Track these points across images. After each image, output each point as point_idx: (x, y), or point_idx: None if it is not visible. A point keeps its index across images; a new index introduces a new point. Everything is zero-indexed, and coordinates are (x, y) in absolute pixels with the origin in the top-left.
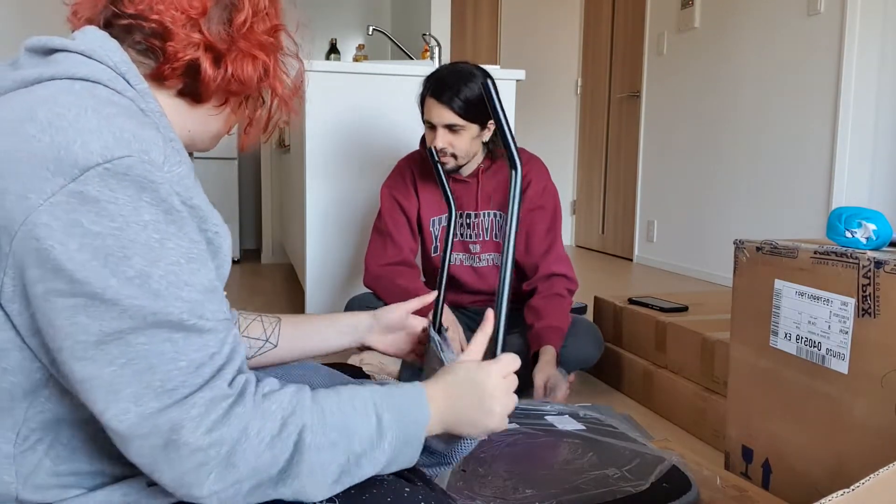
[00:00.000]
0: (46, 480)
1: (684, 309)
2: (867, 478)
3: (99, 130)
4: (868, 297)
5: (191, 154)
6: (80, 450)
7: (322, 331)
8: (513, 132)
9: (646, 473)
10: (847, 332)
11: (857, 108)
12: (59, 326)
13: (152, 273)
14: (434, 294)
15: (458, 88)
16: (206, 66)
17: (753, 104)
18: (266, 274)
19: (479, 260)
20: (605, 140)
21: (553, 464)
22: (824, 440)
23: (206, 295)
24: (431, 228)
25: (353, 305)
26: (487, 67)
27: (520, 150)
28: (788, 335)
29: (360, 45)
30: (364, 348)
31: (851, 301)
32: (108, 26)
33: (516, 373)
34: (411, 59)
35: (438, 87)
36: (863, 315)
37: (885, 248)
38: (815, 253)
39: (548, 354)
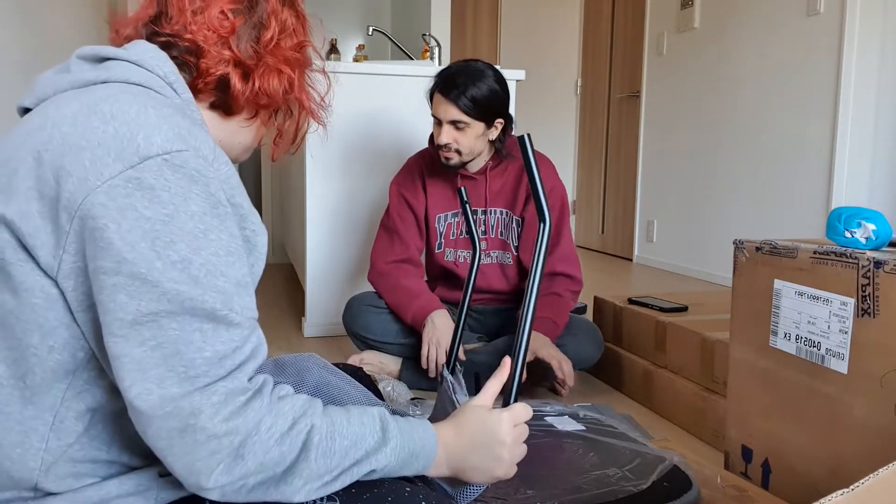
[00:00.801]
0: (66, 468)
1: (684, 309)
2: (867, 478)
3: (159, 126)
4: (867, 297)
5: None
6: (99, 438)
7: None
8: (543, 186)
9: (646, 473)
10: (847, 332)
11: (857, 108)
12: (101, 302)
13: (194, 260)
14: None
15: (466, 86)
16: (236, 80)
17: (753, 104)
18: (266, 274)
19: (485, 257)
20: (604, 140)
21: (554, 464)
22: (824, 440)
23: (238, 289)
24: (437, 225)
25: (353, 305)
26: None
27: None
28: (788, 335)
29: (360, 45)
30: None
31: (851, 301)
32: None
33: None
34: (411, 59)
35: (446, 84)
36: (862, 315)
37: (884, 248)
38: (814, 253)
39: (542, 338)
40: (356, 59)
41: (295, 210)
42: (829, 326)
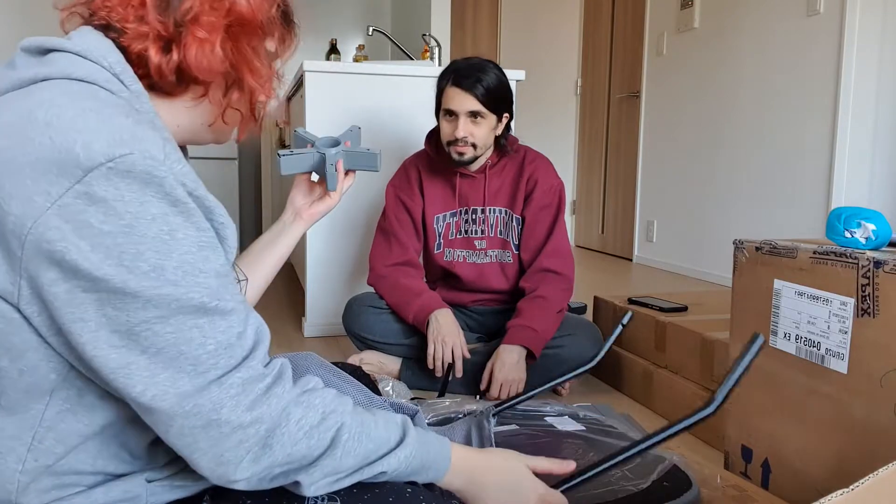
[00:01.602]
0: (49, 482)
1: (684, 309)
2: (866, 477)
3: (98, 130)
4: (867, 297)
5: (185, 153)
6: (84, 450)
7: (271, 249)
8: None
9: (647, 473)
10: (846, 332)
11: (857, 108)
12: (90, 318)
13: (166, 265)
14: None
15: (479, 77)
16: (153, 54)
17: (753, 104)
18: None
19: (484, 256)
20: (604, 140)
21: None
22: (824, 440)
23: (220, 280)
24: (436, 225)
25: (353, 305)
26: None
27: (525, 150)
28: (788, 335)
29: (360, 45)
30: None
31: (851, 301)
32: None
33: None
34: (411, 59)
35: (461, 75)
36: (862, 315)
37: (884, 248)
38: (814, 253)
39: (512, 354)
40: (356, 59)
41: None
42: (828, 326)
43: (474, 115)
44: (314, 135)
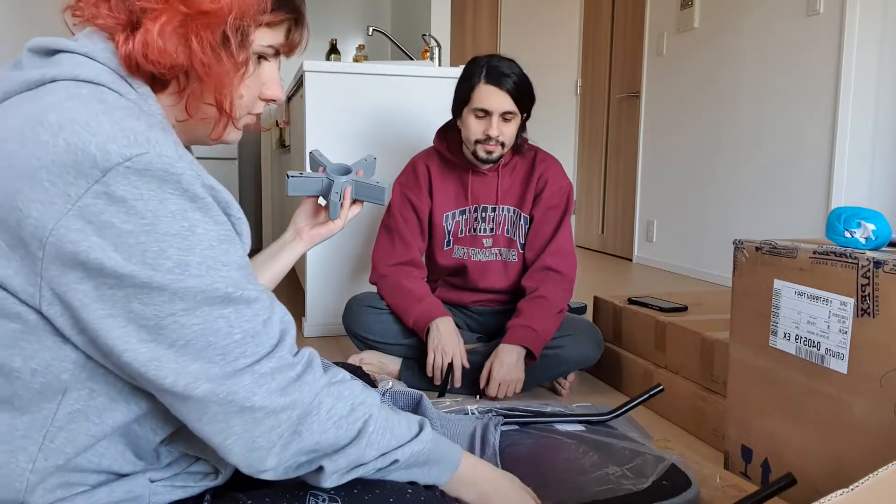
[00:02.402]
0: (55, 480)
1: (684, 309)
2: (866, 477)
3: (112, 133)
4: (867, 297)
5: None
6: (92, 452)
7: (270, 265)
8: None
9: (646, 472)
10: (846, 332)
11: (857, 108)
12: (118, 314)
13: (189, 261)
14: None
15: (511, 75)
16: (120, 41)
17: (753, 104)
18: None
19: (488, 254)
20: (604, 140)
21: (554, 464)
22: (823, 440)
23: (241, 271)
24: (445, 224)
25: (353, 305)
26: None
27: (536, 149)
28: (788, 335)
29: (360, 45)
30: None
31: (850, 301)
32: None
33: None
34: (411, 59)
35: (495, 74)
36: (862, 315)
37: (884, 249)
38: (814, 253)
39: (511, 353)
40: (356, 60)
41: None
42: (828, 326)
43: (507, 113)
44: (328, 159)
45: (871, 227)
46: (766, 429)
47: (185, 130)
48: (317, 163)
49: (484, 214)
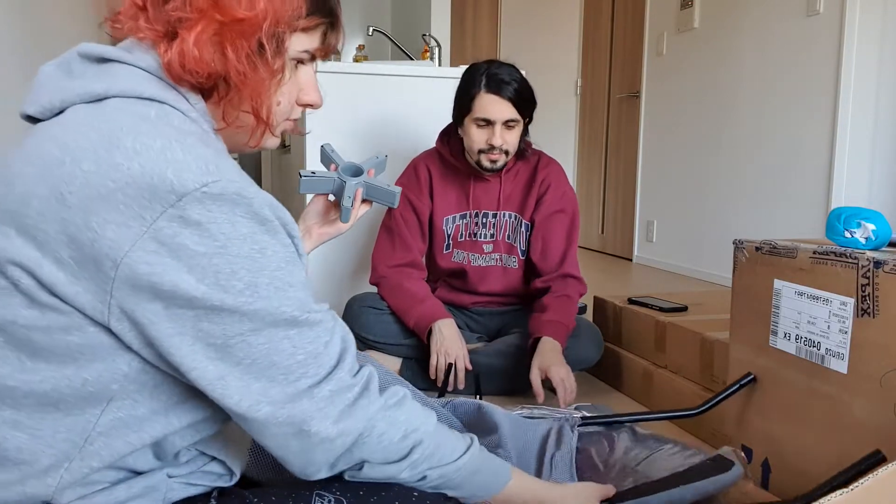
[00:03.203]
0: (82, 479)
1: (684, 309)
2: (866, 478)
3: (186, 161)
4: (867, 297)
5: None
6: (119, 454)
7: None
8: None
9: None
10: (846, 332)
11: (857, 108)
12: (187, 333)
13: (259, 282)
14: None
15: (512, 83)
16: (161, 52)
17: (753, 104)
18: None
19: (488, 259)
20: (604, 140)
21: (605, 460)
22: (824, 440)
23: (305, 291)
24: (445, 227)
25: (353, 306)
26: None
27: (539, 154)
28: (788, 335)
29: (360, 45)
30: (364, 349)
31: (851, 301)
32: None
33: (510, 372)
34: (411, 59)
35: (496, 82)
36: (862, 315)
37: (884, 249)
38: (814, 253)
39: (555, 348)
40: (356, 60)
41: (295, 210)
42: (828, 326)
43: (510, 121)
44: (340, 156)
45: (871, 227)
46: (766, 429)
47: (224, 138)
48: (328, 158)
49: (485, 220)
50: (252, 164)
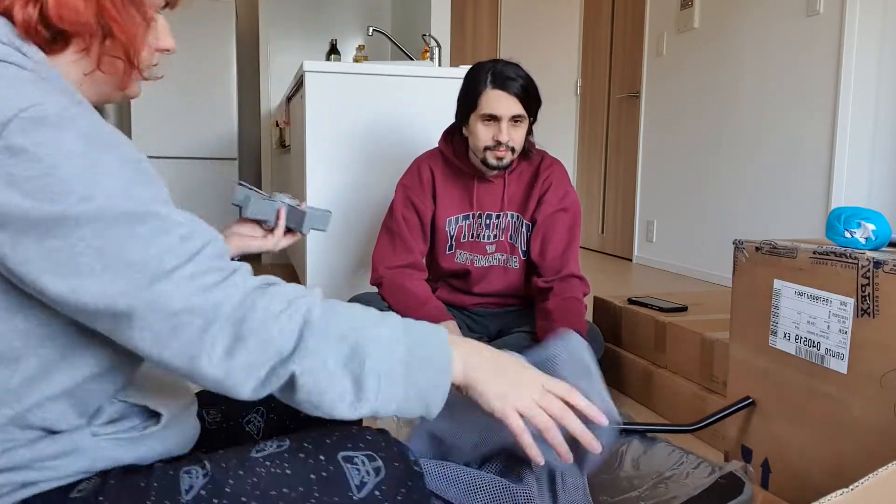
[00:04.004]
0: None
1: (684, 309)
2: (866, 477)
3: (7, 95)
4: (867, 297)
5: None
6: (41, 406)
7: None
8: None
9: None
10: (846, 332)
11: (856, 108)
12: (32, 258)
13: (95, 193)
14: None
15: (518, 79)
16: (17, 9)
17: (753, 105)
18: (267, 274)
19: (491, 259)
20: (604, 140)
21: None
22: (823, 440)
23: (153, 192)
24: (448, 228)
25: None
26: None
27: (542, 154)
28: (788, 335)
29: (360, 45)
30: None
31: (850, 301)
32: None
33: None
34: (411, 59)
35: (501, 78)
36: (862, 315)
37: (884, 249)
38: (814, 253)
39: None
40: (356, 60)
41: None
42: (828, 326)
43: (516, 118)
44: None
45: (871, 227)
46: (765, 429)
47: (92, 85)
48: (246, 196)
49: (488, 221)
50: (252, 165)
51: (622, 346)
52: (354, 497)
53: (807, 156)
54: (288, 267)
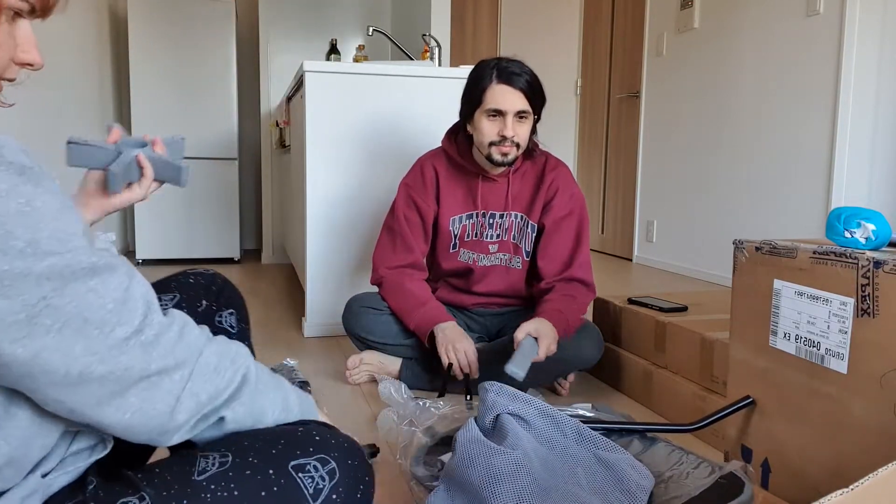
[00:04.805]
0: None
1: (684, 309)
2: (866, 477)
3: None
4: (867, 297)
5: None
6: None
7: None
8: None
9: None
10: (846, 332)
11: (856, 108)
12: None
13: (39, 238)
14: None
15: (523, 74)
16: None
17: (753, 105)
18: (266, 274)
19: (493, 259)
20: (604, 140)
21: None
22: (823, 440)
23: (88, 238)
24: (451, 227)
25: (353, 306)
26: None
27: (547, 155)
28: (788, 335)
29: (360, 45)
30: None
31: (850, 301)
32: None
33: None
34: (411, 59)
35: (507, 73)
36: (862, 315)
37: (884, 249)
38: (814, 253)
39: (549, 326)
40: (356, 60)
41: (295, 210)
42: (828, 326)
43: (521, 113)
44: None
45: (871, 227)
46: (765, 429)
47: None
48: (88, 148)
49: (492, 221)
50: (252, 165)
51: (622, 346)
52: None
53: (807, 156)
54: (288, 267)
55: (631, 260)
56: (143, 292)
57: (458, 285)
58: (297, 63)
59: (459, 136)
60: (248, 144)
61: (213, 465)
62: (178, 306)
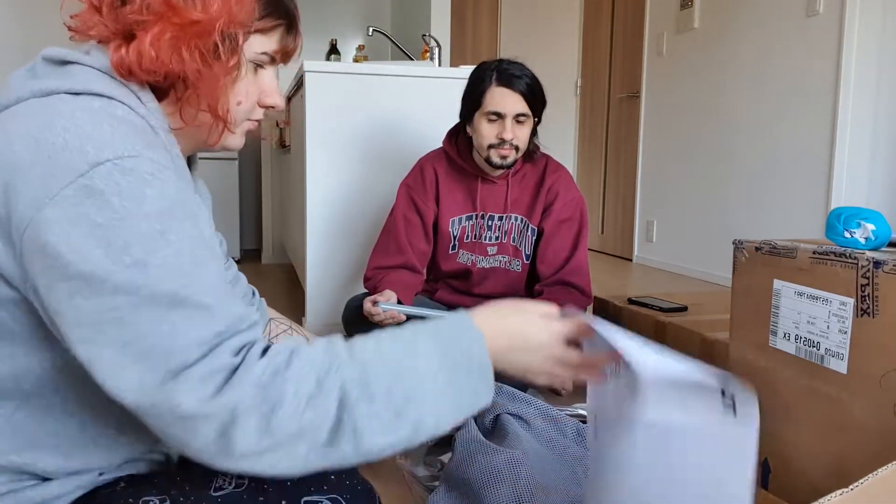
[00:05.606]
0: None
1: (684, 309)
2: (866, 477)
3: (111, 140)
4: (867, 298)
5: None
6: (28, 451)
7: None
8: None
9: None
10: (846, 332)
11: (856, 108)
12: (64, 311)
13: (150, 261)
14: None
15: (523, 77)
16: (112, 50)
17: (752, 105)
18: (266, 274)
19: (492, 261)
20: (604, 140)
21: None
22: (823, 440)
23: (213, 281)
24: (451, 229)
25: (352, 306)
26: None
27: (547, 158)
28: (787, 335)
29: (360, 45)
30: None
31: (850, 301)
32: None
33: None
34: (411, 59)
35: (506, 76)
36: (862, 315)
37: (883, 249)
38: (813, 253)
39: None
40: (356, 60)
41: (295, 210)
42: (828, 326)
43: (520, 116)
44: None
45: (871, 227)
46: (765, 429)
47: (185, 137)
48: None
49: (490, 223)
50: (252, 165)
51: None
52: None
53: (807, 156)
54: (288, 267)
55: (631, 260)
56: (223, 337)
57: (458, 287)
58: (297, 63)
59: (460, 137)
60: (248, 144)
61: (230, 485)
62: None
